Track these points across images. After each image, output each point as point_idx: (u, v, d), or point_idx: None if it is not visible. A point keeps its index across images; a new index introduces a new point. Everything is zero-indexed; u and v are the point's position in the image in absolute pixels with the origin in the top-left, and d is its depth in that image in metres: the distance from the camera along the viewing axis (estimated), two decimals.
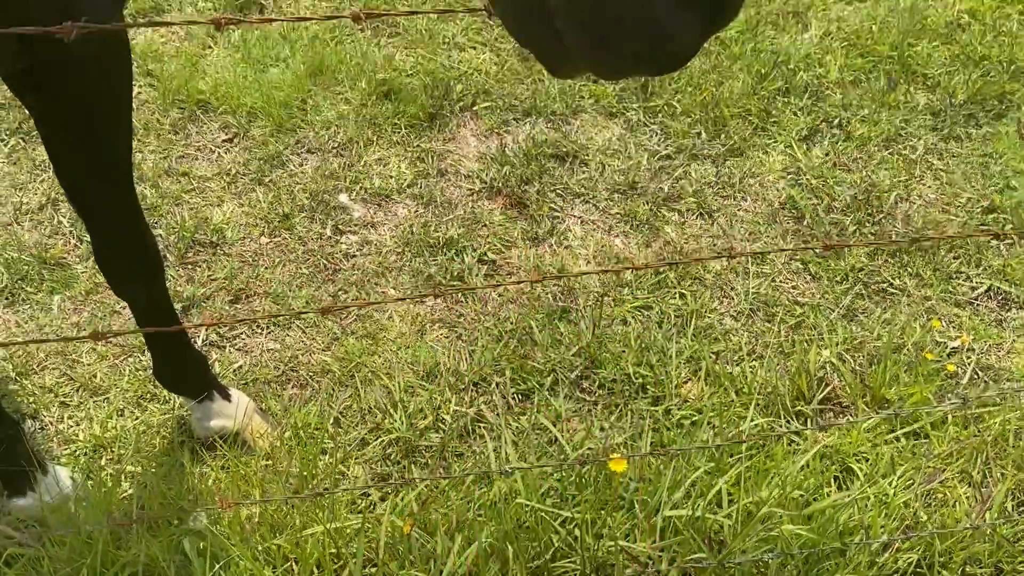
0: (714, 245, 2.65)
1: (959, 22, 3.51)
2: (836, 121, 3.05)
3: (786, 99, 3.13)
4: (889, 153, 2.94)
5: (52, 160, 1.61)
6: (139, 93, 3.07)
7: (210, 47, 3.31)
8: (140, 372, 2.24)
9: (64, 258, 2.54)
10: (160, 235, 2.59)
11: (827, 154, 2.93)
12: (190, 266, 2.54)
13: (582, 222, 2.73)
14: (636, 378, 2.25)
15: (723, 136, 2.98)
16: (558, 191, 2.81)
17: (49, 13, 1.21)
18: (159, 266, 1.79)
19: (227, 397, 2.05)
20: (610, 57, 0.55)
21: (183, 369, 1.99)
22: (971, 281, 2.53)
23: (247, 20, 0.89)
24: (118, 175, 1.61)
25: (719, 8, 0.54)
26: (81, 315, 2.39)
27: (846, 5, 3.60)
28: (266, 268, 2.55)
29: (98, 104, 1.51)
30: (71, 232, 2.61)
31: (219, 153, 2.90)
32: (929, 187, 2.83)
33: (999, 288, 2.51)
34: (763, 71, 3.20)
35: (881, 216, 2.72)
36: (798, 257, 2.58)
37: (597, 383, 2.27)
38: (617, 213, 2.75)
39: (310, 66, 3.16)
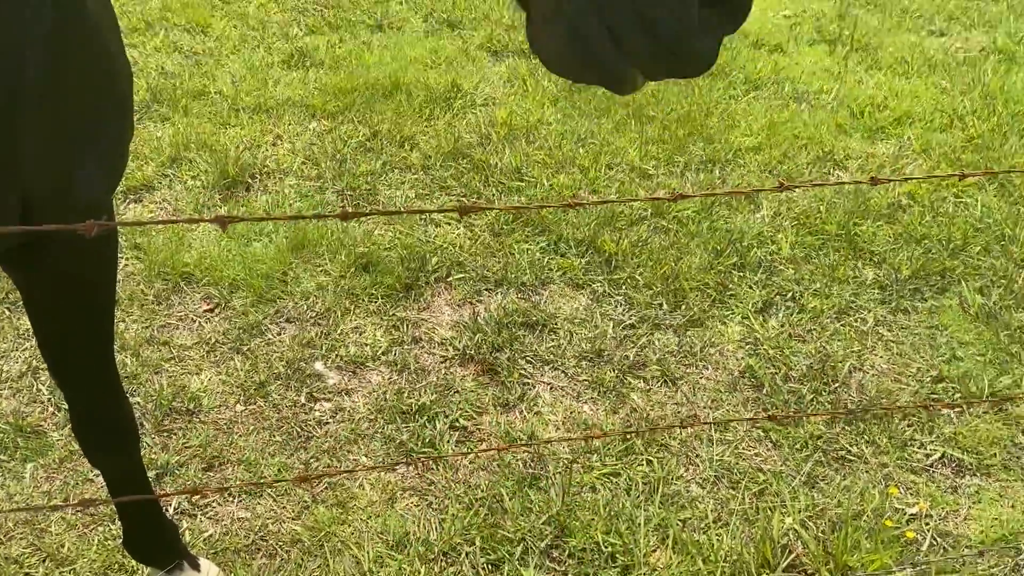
0: (678, 412, 2.74)
1: (900, 204, 3.78)
2: (790, 294, 3.23)
3: (741, 273, 3.32)
4: (841, 325, 3.10)
5: (36, 331, 1.70)
6: (125, 265, 3.19)
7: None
8: (109, 541, 2.23)
9: (40, 426, 2.57)
10: (138, 403, 2.64)
11: (782, 325, 3.09)
12: (166, 434, 2.58)
13: (551, 388, 2.83)
14: (605, 546, 2.27)
15: (683, 307, 3.14)
16: (528, 358, 2.92)
17: (46, 190, 1.33)
18: (135, 437, 1.84)
19: (196, 567, 2.05)
20: (659, 53, 0.72)
21: (154, 539, 2.00)
22: (925, 448, 2.62)
23: (250, 218, 1.01)
24: (100, 348, 1.70)
25: (733, 18, 0.75)
26: (53, 483, 2.40)
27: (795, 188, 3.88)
28: (240, 436, 2.59)
29: (86, 281, 1.61)
30: (49, 400, 2.66)
31: (200, 323, 3.00)
32: (881, 357, 2.97)
33: (952, 455, 2.60)
34: (719, 248, 3.41)
35: (836, 385, 2.84)
36: (759, 425, 2.67)
37: (567, 552, 2.29)
38: (585, 380, 2.85)
39: (292, 240, 3.33)
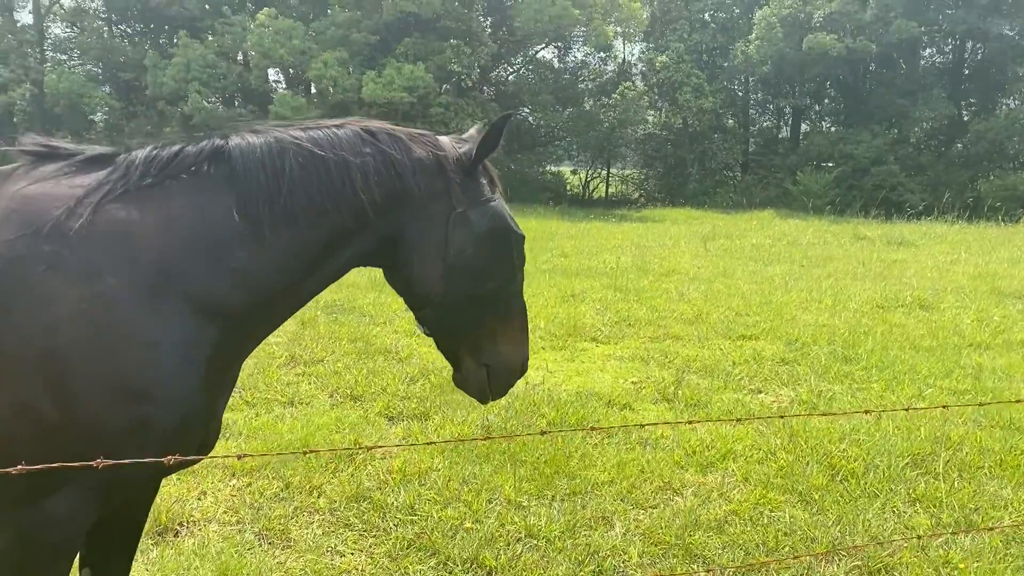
0: None
1: (727, 519, 4.63)
2: None
3: None
4: None
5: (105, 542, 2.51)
6: None
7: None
8: None
9: None
10: None
11: None
12: None
13: None
14: None
15: None
16: None
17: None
18: None
19: None
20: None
21: None
22: None
23: (263, 453, 1.80)
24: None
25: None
26: None
27: (641, 510, 4.71)
28: None
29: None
30: None
31: None
32: None
33: None
34: (580, 559, 4.12)
35: None
36: None
37: None
38: None
39: (217, 573, 3.86)
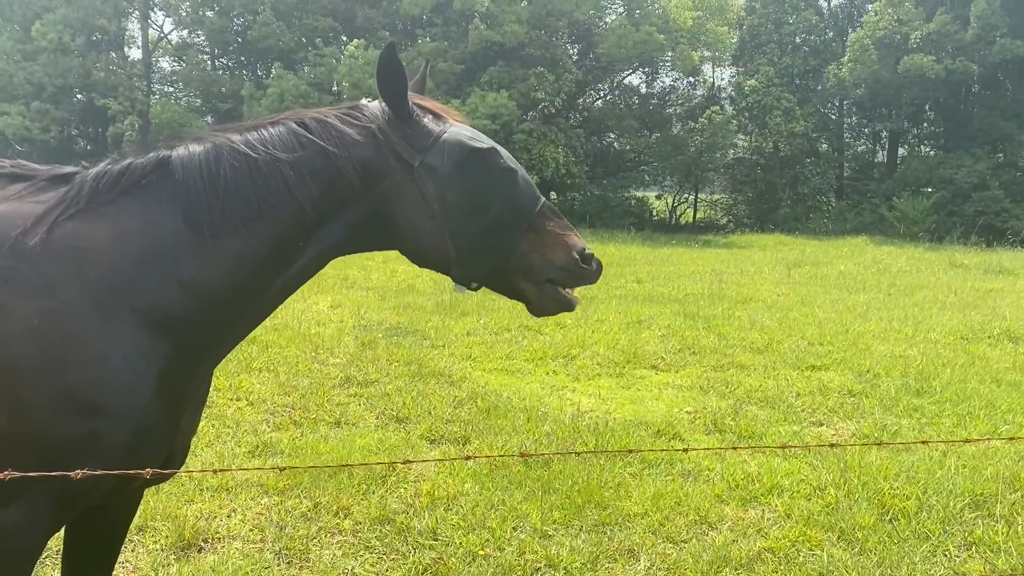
0: None
1: (759, 556, 4.41)
2: None
3: None
4: None
5: (86, 553, 2.52)
6: None
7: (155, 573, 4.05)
8: None
9: None
10: None
11: None
12: None
13: None
14: None
15: None
16: None
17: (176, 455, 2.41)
18: None
19: None
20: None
21: None
22: None
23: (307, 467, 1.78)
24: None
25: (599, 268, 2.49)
26: None
27: (670, 544, 4.53)
28: None
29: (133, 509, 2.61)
30: None
31: None
32: None
33: None
34: None
35: None
36: None
37: None
38: None
39: None
